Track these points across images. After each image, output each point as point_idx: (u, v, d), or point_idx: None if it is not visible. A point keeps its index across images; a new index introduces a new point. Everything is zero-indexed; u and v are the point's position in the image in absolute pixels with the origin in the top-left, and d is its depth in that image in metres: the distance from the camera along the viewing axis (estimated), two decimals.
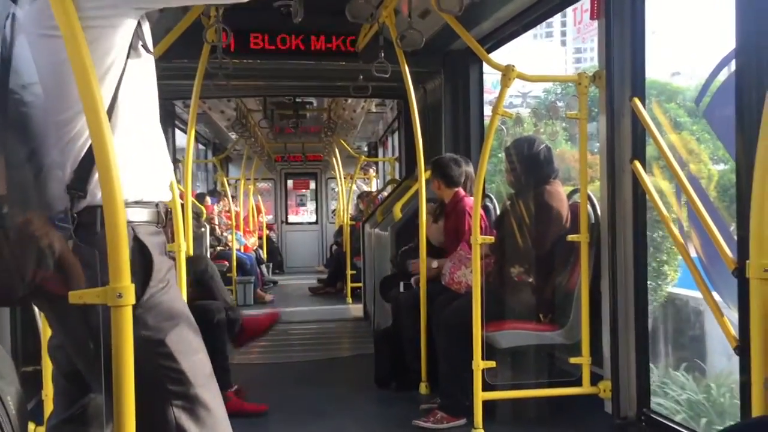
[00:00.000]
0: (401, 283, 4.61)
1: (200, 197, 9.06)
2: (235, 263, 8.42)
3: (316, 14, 3.79)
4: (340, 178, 11.11)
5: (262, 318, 4.39)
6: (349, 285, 8.60)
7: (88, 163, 1.70)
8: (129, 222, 1.65)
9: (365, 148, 13.96)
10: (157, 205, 1.88)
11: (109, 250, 1.49)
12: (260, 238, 11.99)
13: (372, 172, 13.28)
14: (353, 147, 12.94)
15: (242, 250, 9.13)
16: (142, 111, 1.87)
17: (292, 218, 14.98)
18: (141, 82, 1.86)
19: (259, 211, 12.58)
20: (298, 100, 8.89)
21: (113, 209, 1.50)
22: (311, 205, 15.32)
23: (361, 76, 5.00)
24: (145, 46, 1.85)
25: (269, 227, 13.31)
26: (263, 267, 10.46)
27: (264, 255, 11.38)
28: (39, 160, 1.57)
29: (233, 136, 8.84)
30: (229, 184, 11.71)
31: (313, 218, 14.95)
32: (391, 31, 4.16)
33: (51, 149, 1.64)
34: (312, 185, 15.17)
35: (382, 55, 4.20)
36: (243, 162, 10.85)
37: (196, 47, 3.99)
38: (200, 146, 11.73)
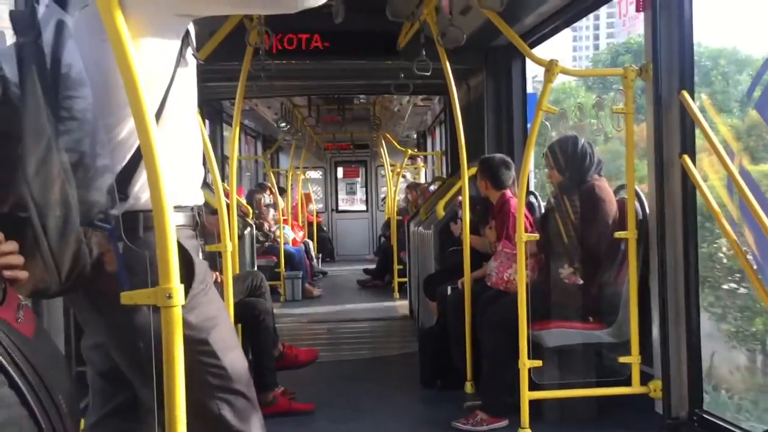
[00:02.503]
0: (449, 287, 4.59)
1: (250, 195, 9.16)
2: (283, 258, 8.41)
3: (356, 13, 3.80)
4: (388, 170, 11.10)
5: (302, 353, 4.48)
6: (396, 280, 8.56)
7: (132, 166, 1.75)
8: None
9: (414, 136, 13.90)
10: (192, 208, 1.93)
11: (158, 252, 1.52)
12: (310, 224, 12.08)
13: (420, 161, 13.23)
14: (402, 135, 12.93)
15: (291, 244, 9.15)
16: (185, 117, 1.91)
17: (342, 206, 15.03)
18: (186, 89, 1.90)
19: (308, 201, 12.66)
20: (341, 96, 8.96)
21: (161, 211, 1.53)
22: (361, 193, 15.35)
23: (402, 74, 5.00)
24: (194, 54, 1.89)
25: (317, 216, 13.33)
26: (313, 258, 10.47)
27: (314, 244, 11.45)
28: (89, 163, 1.60)
29: (282, 126, 8.93)
30: (279, 175, 11.83)
31: (363, 206, 14.97)
32: (432, 29, 4.15)
33: (102, 153, 1.68)
34: (362, 173, 15.20)
35: (424, 52, 4.19)
36: (291, 152, 10.94)
37: (239, 49, 4.04)
38: (250, 138, 11.85)
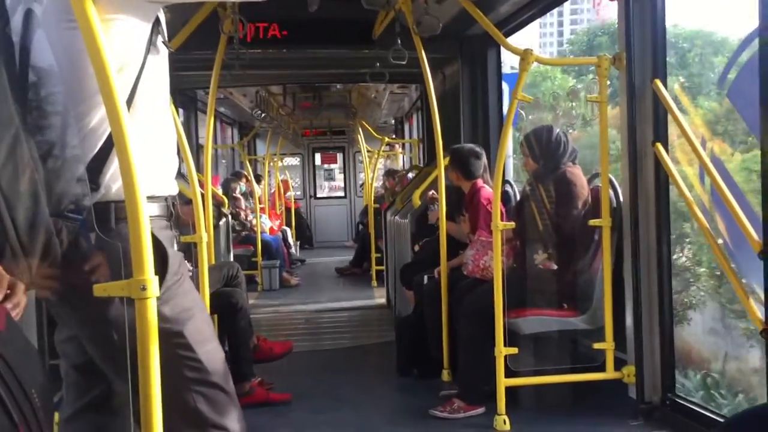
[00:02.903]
0: (425, 276, 4.61)
1: (226, 184, 9.07)
2: (260, 247, 8.35)
3: (331, 2, 3.77)
4: (365, 158, 11.07)
5: (277, 346, 4.46)
6: (374, 268, 8.55)
7: (102, 155, 1.72)
8: None
9: (392, 122, 13.87)
10: (166, 199, 1.91)
11: (132, 243, 1.51)
12: (288, 210, 11.99)
13: (398, 148, 13.21)
14: (380, 122, 12.89)
15: (268, 233, 9.09)
16: (157, 106, 1.89)
17: (320, 192, 14.99)
18: (158, 78, 1.87)
19: (286, 188, 12.57)
20: (317, 84, 8.90)
21: (134, 202, 1.51)
22: (339, 179, 15.29)
23: (378, 63, 4.98)
24: (164, 42, 1.87)
25: (295, 203, 13.26)
26: (291, 246, 10.41)
27: (292, 231, 11.36)
28: (59, 152, 1.58)
29: (258, 114, 8.88)
30: (256, 162, 11.69)
31: (342, 192, 14.93)
32: (408, 17, 4.13)
33: (72, 142, 1.66)
34: (340, 159, 15.14)
35: (399, 41, 4.17)
36: (267, 139, 10.85)
37: (213, 38, 3.99)
38: (225, 125, 11.74)
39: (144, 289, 1.51)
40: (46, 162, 1.55)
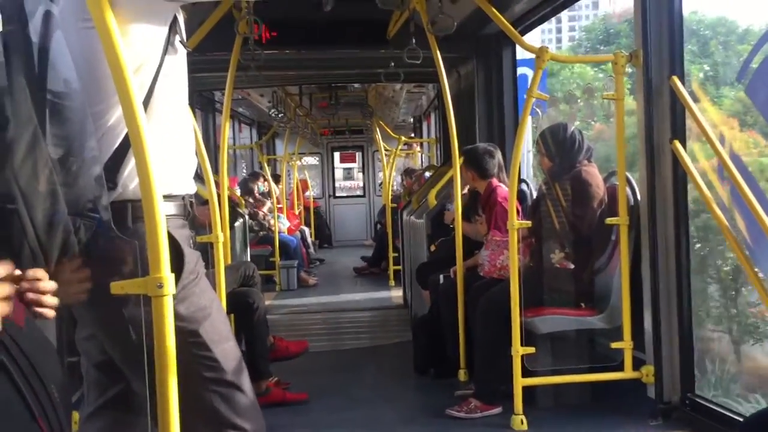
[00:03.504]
0: (441, 276, 4.60)
1: (244, 184, 9.10)
2: (277, 247, 8.35)
3: (346, 2, 3.78)
4: (383, 157, 11.07)
5: (292, 345, 4.48)
6: (392, 267, 8.52)
7: (120, 154, 1.74)
8: None
9: (411, 121, 13.85)
10: (183, 198, 1.92)
11: (148, 242, 1.52)
12: (306, 209, 11.98)
13: (416, 147, 13.20)
14: (398, 120, 12.88)
15: (286, 233, 9.10)
16: (175, 106, 1.90)
17: (339, 192, 15.02)
18: (176, 77, 1.89)
19: (305, 188, 12.58)
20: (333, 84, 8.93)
21: (150, 201, 1.52)
22: (358, 178, 15.30)
23: (392, 63, 4.98)
24: (182, 42, 1.88)
25: (314, 203, 13.25)
26: (310, 246, 10.40)
27: (312, 230, 11.33)
28: (77, 152, 1.59)
29: (275, 115, 8.93)
30: (276, 162, 11.72)
31: (361, 191, 14.94)
32: (422, 17, 4.13)
33: (90, 142, 1.67)
34: (358, 158, 15.15)
35: (414, 41, 4.17)
36: (285, 139, 10.87)
37: (228, 39, 4.01)
38: (244, 126, 11.77)
39: (161, 286, 1.52)
40: (64, 162, 1.56)
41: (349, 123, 12.47)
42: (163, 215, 1.54)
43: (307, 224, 11.71)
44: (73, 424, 2.65)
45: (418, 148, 13.17)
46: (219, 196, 3.92)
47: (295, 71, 6.66)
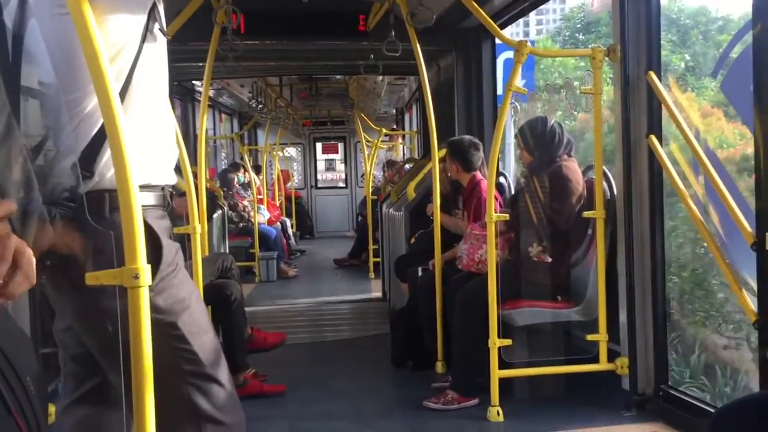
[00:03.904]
0: (419, 269, 4.61)
1: (223, 175, 9.05)
2: (257, 238, 8.32)
3: None
4: (364, 149, 11.06)
5: (270, 336, 4.46)
6: (372, 260, 8.52)
7: (97, 143, 1.71)
8: None
9: (393, 112, 13.85)
10: (162, 188, 1.90)
11: (124, 232, 1.50)
12: (288, 199, 11.92)
13: (399, 139, 13.18)
14: (381, 112, 12.86)
15: (266, 224, 9.06)
16: (154, 95, 1.87)
17: (321, 182, 14.99)
18: (155, 66, 1.86)
19: (286, 179, 12.53)
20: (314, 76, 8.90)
21: (126, 191, 1.51)
22: (341, 169, 15.24)
23: (372, 55, 4.97)
24: (161, 30, 1.85)
25: (296, 193, 13.23)
26: (291, 237, 10.37)
27: (293, 221, 11.25)
28: (53, 141, 1.57)
29: (254, 105, 8.88)
30: (258, 152, 11.68)
31: (343, 183, 14.91)
32: (402, 9, 4.12)
33: (66, 131, 1.65)
34: (341, 149, 15.10)
35: (393, 33, 4.16)
36: (266, 130, 10.81)
37: (206, 29, 3.98)
38: (225, 116, 11.69)
39: (136, 277, 1.50)
40: (39, 150, 1.54)
41: (331, 114, 12.43)
42: (139, 205, 1.52)
43: (289, 215, 11.66)
44: (49, 417, 2.63)
45: (400, 140, 13.16)
46: (197, 187, 3.89)
47: (274, 62, 6.61)
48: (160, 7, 1.86)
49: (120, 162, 1.51)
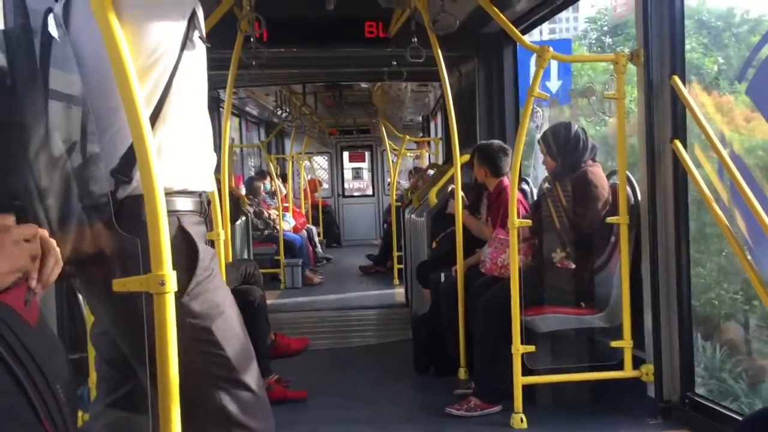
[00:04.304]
0: (442, 274, 4.60)
1: (249, 182, 9.13)
2: (282, 246, 8.36)
3: (348, 0, 3.78)
4: (389, 156, 11.08)
5: (294, 342, 4.47)
6: (396, 266, 8.50)
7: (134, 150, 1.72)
8: (175, 211, 1.68)
9: (419, 120, 13.85)
10: (200, 195, 1.90)
11: (150, 238, 1.52)
12: (314, 207, 11.99)
13: (425, 146, 13.19)
14: (407, 120, 12.88)
15: (291, 231, 9.10)
16: (194, 102, 1.89)
17: (348, 191, 15.04)
18: (194, 73, 1.87)
19: (314, 188, 12.59)
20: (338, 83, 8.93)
21: (153, 197, 1.52)
22: (368, 177, 15.28)
23: (395, 62, 4.98)
24: (201, 37, 1.86)
25: (323, 201, 13.28)
26: (317, 245, 10.41)
27: (320, 229, 11.29)
28: (84, 148, 1.60)
29: (279, 113, 8.93)
30: (285, 161, 11.80)
31: (370, 191, 14.93)
32: (424, 16, 4.13)
33: (96, 138, 1.67)
34: (367, 157, 15.14)
35: (415, 39, 4.17)
36: (291, 139, 10.87)
37: (230, 37, 4.01)
38: (251, 125, 11.78)
39: (162, 284, 1.52)
40: (73, 156, 1.56)
41: (357, 122, 12.44)
42: (164, 211, 1.54)
43: (316, 223, 11.71)
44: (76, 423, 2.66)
45: (426, 148, 13.17)
46: (220, 193, 3.93)
47: (298, 69, 6.65)
48: (200, 15, 1.88)
49: (146, 168, 1.53)
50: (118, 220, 1.65)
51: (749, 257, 3.13)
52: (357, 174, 15.42)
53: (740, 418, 3.07)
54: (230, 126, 4.45)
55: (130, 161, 1.71)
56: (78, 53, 1.74)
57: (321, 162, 15.09)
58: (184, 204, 1.80)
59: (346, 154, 15.15)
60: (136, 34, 1.67)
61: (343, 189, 14.96)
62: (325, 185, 14.58)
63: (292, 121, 9.41)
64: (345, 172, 15.19)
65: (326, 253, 11.30)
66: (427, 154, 13.09)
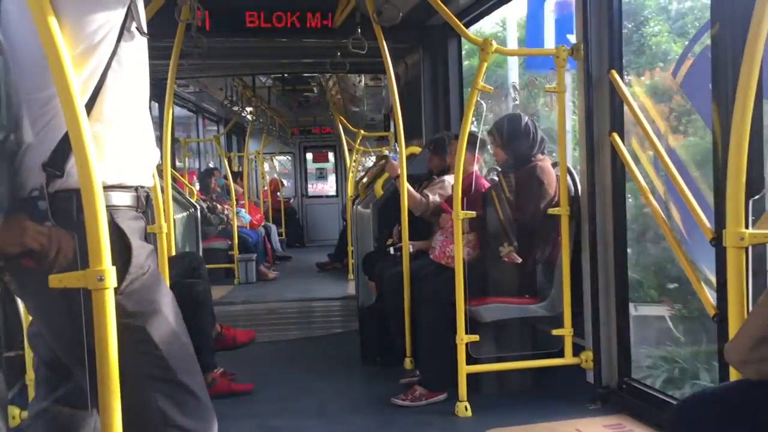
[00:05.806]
0: (391, 248, 4.60)
1: (202, 179, 9.03)
2: (236, 241, 8.26)
3: None
4: (345, 152, 11.00)
5: (240, 334, 4.44)
6: (351, 261, 8.48)
7: (67, 141, 1.65)
8: (108, 206, 1.62)
9: (381, 118, 13.78)
10: (137, 189, 1.84)
11: (88, 233, 1.48)
12: (275, 208, 11.94)
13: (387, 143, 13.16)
14: (368, 119, 12.81)
15: (247, 227, 9.04)
16: (132, 94, 1.82)
17: (311, 191, 14.88)
18: (133, 65, 1.81)
19: (276, 188, 12.48)
20: (286, 76, 8.84)
21: (90, 191, 1.48)
22: (332, 178, 15.09)
23: (339, 53, 4.96)
24: (139, 28, 1.80)
25: (286, 202, 13.16)
26: (275, 242, 10.34)
27: (282, 229, 11.21)
28: (18, 139, 1.54)
29: (228, 105, 8.75)
30: (242, 159, 11.67)
31: (333, 191, 14.81)
32: (368, 7, 4.12)
33: (29, 128, 1.61)
34: (331, 157, 14.95)
35: (359, 30, 4.16)
36: (247, 136, 10.71)
37: (173, 26, 3.93)
38: (210, 122, 11.63)
39: (101, 279, 1.48)
40: (8, 146, 1.51)
41: (317, 120, 12.30)
42: (103, 206, 1.50)
43: (278, 223, 11.62)
44: (11, 419, 2.58)
45: (388, 145, 13.14)
46: (162, 186, 3.86)
47: (241, 60, 6.56)
48: (140, 5, 1.82)
49: (83, 161, 1.49)
50: (51, 215, 1.60)
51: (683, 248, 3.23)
52: (321, 174, 15.25)
53: (675, 402, 3.18)
54: (166, 121, 4.33)
55: (63, 154, 1.65)
56: (9, 38, 1.68)
57: (285, 162, 14.89)
58: (120, 199, 1.75)
59: (309, 155, 14.98)
60: (71, 21, 1.61)
61: (306, 189, 14.83)
62: (286, 183, 14.41)
63: (251, 116, 9.27)
64: (308, 174, 14.96)
65: (288, 253, 11.24)
66: (387, 151, 13.08)
